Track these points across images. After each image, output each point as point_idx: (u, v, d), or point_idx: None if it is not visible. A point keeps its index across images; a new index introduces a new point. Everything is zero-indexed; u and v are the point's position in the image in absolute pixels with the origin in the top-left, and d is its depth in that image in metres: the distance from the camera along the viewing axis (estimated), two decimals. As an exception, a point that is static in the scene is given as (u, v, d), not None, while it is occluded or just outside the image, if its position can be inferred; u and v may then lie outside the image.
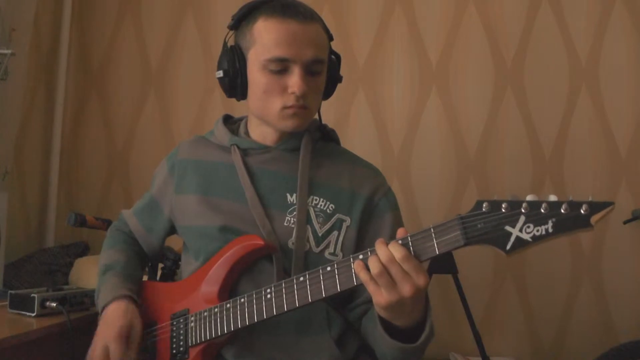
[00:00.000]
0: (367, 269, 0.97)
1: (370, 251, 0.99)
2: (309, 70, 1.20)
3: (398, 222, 1.27)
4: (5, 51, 1.81)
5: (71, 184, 2.34)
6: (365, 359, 1.25)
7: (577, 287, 2.15)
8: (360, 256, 1.00)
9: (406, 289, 0.95)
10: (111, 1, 2.37)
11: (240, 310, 1.12)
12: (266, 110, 1.22)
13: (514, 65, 2.21)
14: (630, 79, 2.17)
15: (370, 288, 0.97)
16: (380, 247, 0.97)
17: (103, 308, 1.23)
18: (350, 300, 1.24)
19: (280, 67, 1.18)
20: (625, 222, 2.06)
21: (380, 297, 0.97)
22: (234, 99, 1.28)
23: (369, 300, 1.18)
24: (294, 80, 1.17)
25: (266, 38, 1.19)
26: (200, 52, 2.32)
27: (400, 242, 0.97)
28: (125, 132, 2.34)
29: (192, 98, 2.32)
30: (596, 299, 2.14)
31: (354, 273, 1.00)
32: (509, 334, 2.16)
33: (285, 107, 1.20)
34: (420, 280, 0.95)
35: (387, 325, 1.05)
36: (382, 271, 0.95)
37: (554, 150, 2.18)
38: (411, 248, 0.96)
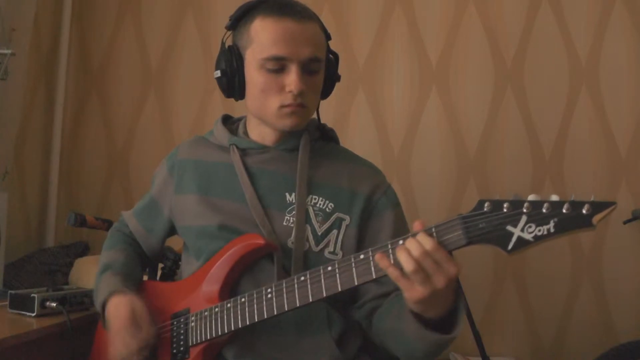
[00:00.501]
0: (394, 264, 0.95)
1: (391, 243, 0.97)
2: (307, 69, 1.20)
3: (400, 219, 1.27)
4: (5, 51, 1.81)
5: (71, 184, 2.34)
6: (366, 359, 1.25)
7: (577, 287, 2.14)
8: (380, 251, 0.97)
9: (440, 281, 0.93)
10: (111, 1, 2.36)
11: (240, 309, 1.12)
12: (264, 109, 1.22)
13: (514, 65, 2.21)
14: (630, 79, 2.16)
15: (402, 284, 0.95)
16: (410, 241, 0.94)
17: (103, 307, 1.23)
18: (355, 299, 1.24)
19: (278, 65, 1.18)
20: (625, 222, 2.06)
21: (414, 292, 0.94)
22: (234, 99, 1.28)
23: (379, 296, 1.18)
24: (291, 78, 1.17)
25: (263, 37, 1.19)
26: (200, 52, 2.32)
27: (426, 232, 0.95)
28: (125, 132, 2.34)
29: (192, 98, 2.32)
30: (596, 299, 2.13)
31: (373, 269, 0.98)
32: (509, 334, 2.16)
33: (282, 106, 1.20)
34: (452, 269, 0.93)
35: (417, 318, 1.02)
36: (417, 267, 0.93)
37: (554, 150, 2.18)
38: (435, 237, 0.94)
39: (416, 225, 0.97)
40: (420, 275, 0.93)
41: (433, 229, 0.95)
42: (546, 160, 2.18)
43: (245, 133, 1.32)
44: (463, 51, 2.23)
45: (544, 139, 2.18)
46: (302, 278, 1.06)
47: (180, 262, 1.44)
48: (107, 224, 1.78)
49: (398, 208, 1.28)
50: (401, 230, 1.24)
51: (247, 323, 1.11)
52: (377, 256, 0.96)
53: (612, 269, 2.13)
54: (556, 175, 2.17)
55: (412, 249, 0.93)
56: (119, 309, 1.19)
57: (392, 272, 0.95)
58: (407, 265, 0.93)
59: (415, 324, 1.02)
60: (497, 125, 2.20)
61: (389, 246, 0.97)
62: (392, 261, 0.96)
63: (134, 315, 1.18)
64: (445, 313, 1.00)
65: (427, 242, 0.93)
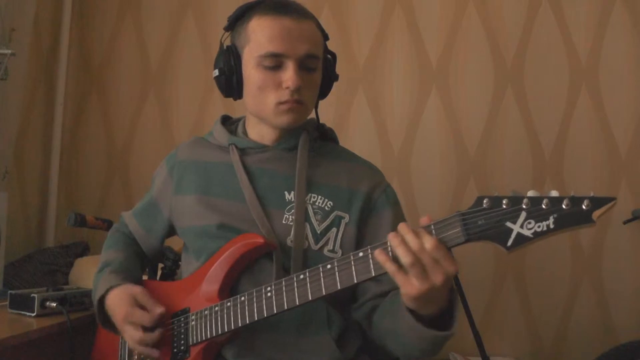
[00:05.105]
0: (392, 259, 0.94)
1: (383, 244, 0.97)
2: (304, 66, 1.20)
3: (399, 218, 1.26)
4: (5, 51, 1.82)
5: (71, 184, 2.34)
6: (365, 359, 1.25)
7: (577, 287, 2.14)
8: (379, 247, 0.97)
9: (438, 278, 0.92)
10: (111, 1, 2.37)
11: (240, 308, 1.12)
12: (261, 106, 1.22)
13: (514, 65, 2.21)
14: (630, 79, 2.16)
15: (399, 279, 0.94)
16: (410, 236, 0.94)
17: (101, 304, 1.23)
18: (354, 298, 1.23)
19: (275, 63, 1.19)
20: (625, 222, 2.06)
21: (410, 287, 0.93)
22: (233, 99, 1.29)
23: (378, 295, 1.18)
24: (288, 74, 1.18)
25: (260, 35, 1.20)
26: (200, 52, 2.32)
27: (425, 229, 0.94)
28: (125, 132, 2.34)
29: (192, 98, 2.32)
30: (596, 299, 2.13)
31: (372, 267, 0.97)
32: (509, 334, 2.16)
33: (280, 103, 1.20)
34: (451, 267, 0.92)
35: (413, 315, 1.01)
36: (415, 260, 0.92)
37: (554, 150, 2.18)
38: (434, 235, 0.94)
39: (423, 220, 0.96)
40: (417, 269, 0.92)
41: (432, 227, 0.95)
42: (546, 160, 2.18)
43: (245, 133, 1.33)
44: (463, 51, 2.23)
45: (544, 139, 2.18)
46: (302, 276, 1.06)
47: (180, 262, 1.44)
48: (107, 224, 1.78)
49: (397, 207, 1.28)
50: None
51: (247, 322, 1.11)
52: (376, 252, 0.96)
53: (612, 269, 2.13)
54: (556, 175, 2.17)
55: (411, 243, 0.93)
56: (118, 299, 1.20)
57: (390, 267, 0.94)
58: (405, 258, 0.92)
59: (411, 321, 1.01)
60: (497, 125, 2.20)
61: (389, 242, 0.96)
62: (390, 256, 0.95)
63: (135, 298, 1.19)
64: (440, 311, 1.00)
65: (427, 239, 0.93)
